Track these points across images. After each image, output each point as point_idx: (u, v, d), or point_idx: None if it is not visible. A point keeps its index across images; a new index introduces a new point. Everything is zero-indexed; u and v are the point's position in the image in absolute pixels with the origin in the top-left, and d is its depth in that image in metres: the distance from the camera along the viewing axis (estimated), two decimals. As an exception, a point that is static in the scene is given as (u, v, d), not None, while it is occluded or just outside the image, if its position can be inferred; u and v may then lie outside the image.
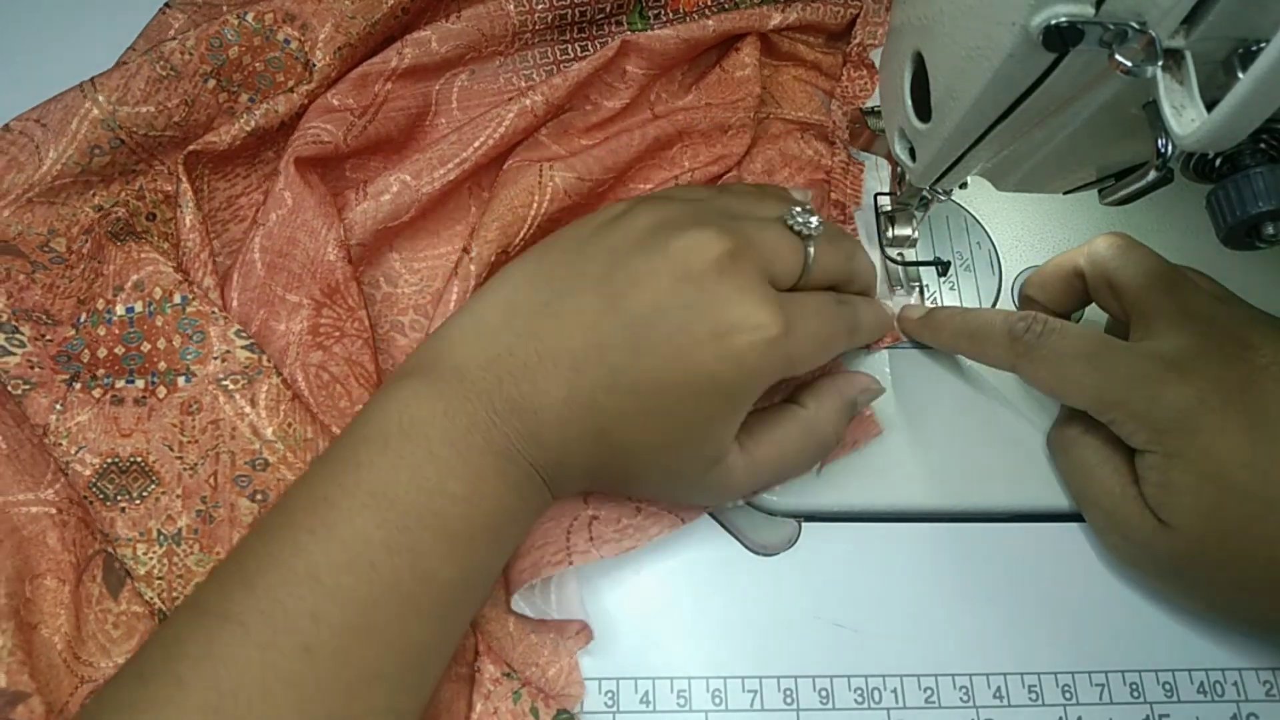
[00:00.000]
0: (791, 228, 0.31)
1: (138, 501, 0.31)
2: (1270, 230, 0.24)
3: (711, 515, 0.35)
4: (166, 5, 0.41)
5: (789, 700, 0.32)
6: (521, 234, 0.36)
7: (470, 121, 0.38)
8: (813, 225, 0.31)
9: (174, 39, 0.35)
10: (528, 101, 0.38)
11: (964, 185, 0.34)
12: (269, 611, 0.25)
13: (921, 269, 0.40)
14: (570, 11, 0.40)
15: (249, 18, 0.36)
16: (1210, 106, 0.21)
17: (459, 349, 0.29)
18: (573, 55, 0.41)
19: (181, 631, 0.25)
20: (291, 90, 0.36)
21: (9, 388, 0.31)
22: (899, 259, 0.39)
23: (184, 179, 0.35)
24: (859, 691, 0.32)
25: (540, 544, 0.32)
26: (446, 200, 0.38)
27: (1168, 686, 0.33)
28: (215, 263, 0.35)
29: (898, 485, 0.35)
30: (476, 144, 0.37)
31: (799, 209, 0.31)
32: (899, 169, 0.38)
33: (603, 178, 0.38)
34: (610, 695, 0.32)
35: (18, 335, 0.32)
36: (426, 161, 0.37)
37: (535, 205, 0.36)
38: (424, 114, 0.40)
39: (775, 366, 0.29)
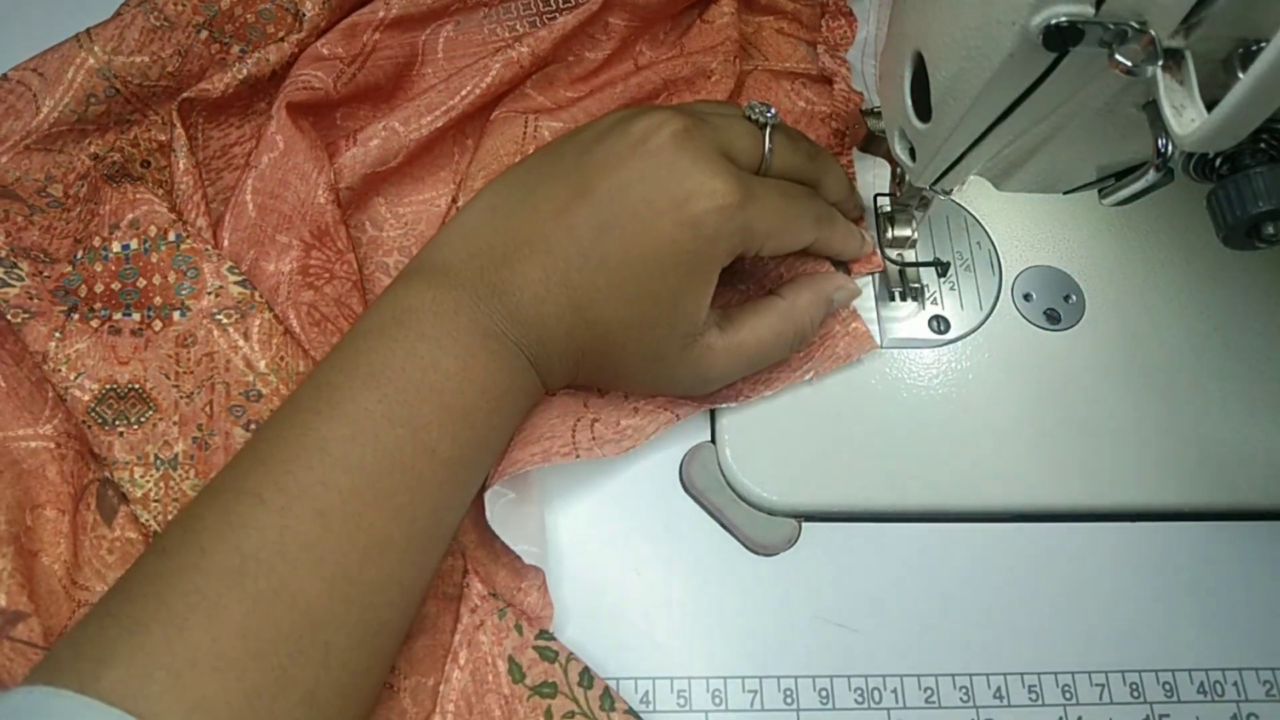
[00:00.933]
0: (749, 117, 0.33)
1: (135, 426, 0.32)
2: (1270, 230, 0.24)
3: (711, 515, 0.35)
4: None
5: (789, 700, 0.32)
6: None
7: (458, 72, 0.39)
8: (770, 114, 0.33)
9: None
10: (514, 53, 0.38)
11: (963, 184, 0.34)
12: (282, 482, 0.26)
13: (921, 269, 0.40)
14: None
15: None
16: (1210, 106, 0.21)
17: (445, 249, 0.32)
18: (555, 6, 0.42)
19: (199, 509, 0.27)
20: (282, 40, 0.37)
21: (8, 316, 0.32)
22: (898, 260, 0.39)
23: (178, 125, 0.35)
24: (859, 691, 0.32)
25: (548, 435, 0.33)
26: (431, 147, 0.39)
27: (1168, 686, 0.33)
28: (209, 205, 0.36)
29: (898, 485, 0.35)
30: (463, 93, 0.38)
31: (755, 102, 0.33)
32: (899, 169, 0.38)
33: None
34: (610, 695, 0.32)
35: (16, 270, 0.33)
36: (414, 109, 0.38)
37: (521, 155, 0.36)
38: (411, 63, 0.40)
39: (734, 233, 0.30)
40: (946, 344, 0.38)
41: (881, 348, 0.38)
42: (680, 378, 0.33)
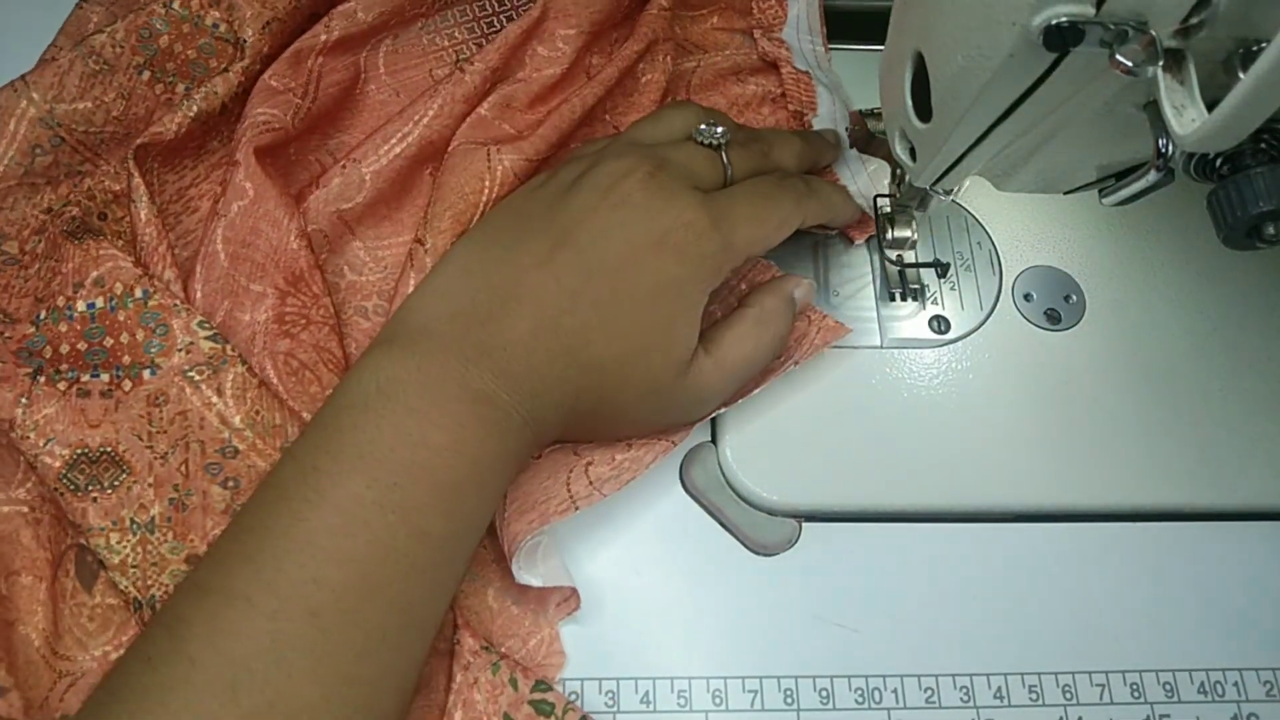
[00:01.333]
0: (701, 142, 0.34)
1: (109, 491, 0.31)
2: (1270, 230, 0.24)
3: (711, 515, 0.35)
4: (82, 0, 0.40)
5: (789, 700, 0.32)
6: (474, 220, 0.36)
7: (411, 103, 0.38)
8: (717, 132, 0.34)
9: (103, 32, 0.35)
10: (466, 76, 0.38)
11: (963, 184, 0.34)
12: (272, 581, 0.25)
13: (922, 270, 0.40)
14: None
15: (175, 5, 0.36)
16: (1211, 106, 0.21)
17: (422, 313, 0.31)
18: (491, 10, 0.42)
19: (185, 612, 0.25)
20: (226, 70, 0.36)
21: None
22: (899, 260, 0.39)
23: (135, 174, 0.35)
24: (859, 691, 0.32)
25: (543, 499, 0.33)
26: (409, 186, 0.39)
27: (1168, 686, 0.33)
28: (174, 255, 0.35)
29: (898, 485, 0.35)
30: (418, 118, 0.38)
31: (704, 123, 0.34)
32: (899, 169, 0.38)
33: (547, 154, 0.38)
34: (610, 695, 0.32)
35: None
36: (371, 143, 0.37)
37: (486, 191, 0.36)
38: (354, 83, 0.40)
39: (715, 252, 0.31)
40: (947, 344, 0.38)
41: (881, 347, 0.38)
42: (677, 406, 0.33)
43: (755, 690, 0.32)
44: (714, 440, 0.36)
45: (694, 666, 0.32)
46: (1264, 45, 0.20)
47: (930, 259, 0.40)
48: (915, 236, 0.39)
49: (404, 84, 0.41)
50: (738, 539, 0.35)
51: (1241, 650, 0.33)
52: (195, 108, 0.35)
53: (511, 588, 0.33)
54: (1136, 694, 0.33)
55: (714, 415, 0.35)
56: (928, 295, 0.39)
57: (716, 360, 0.33)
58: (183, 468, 0.31)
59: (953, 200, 0.41)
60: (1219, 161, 0.26)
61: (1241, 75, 0.20)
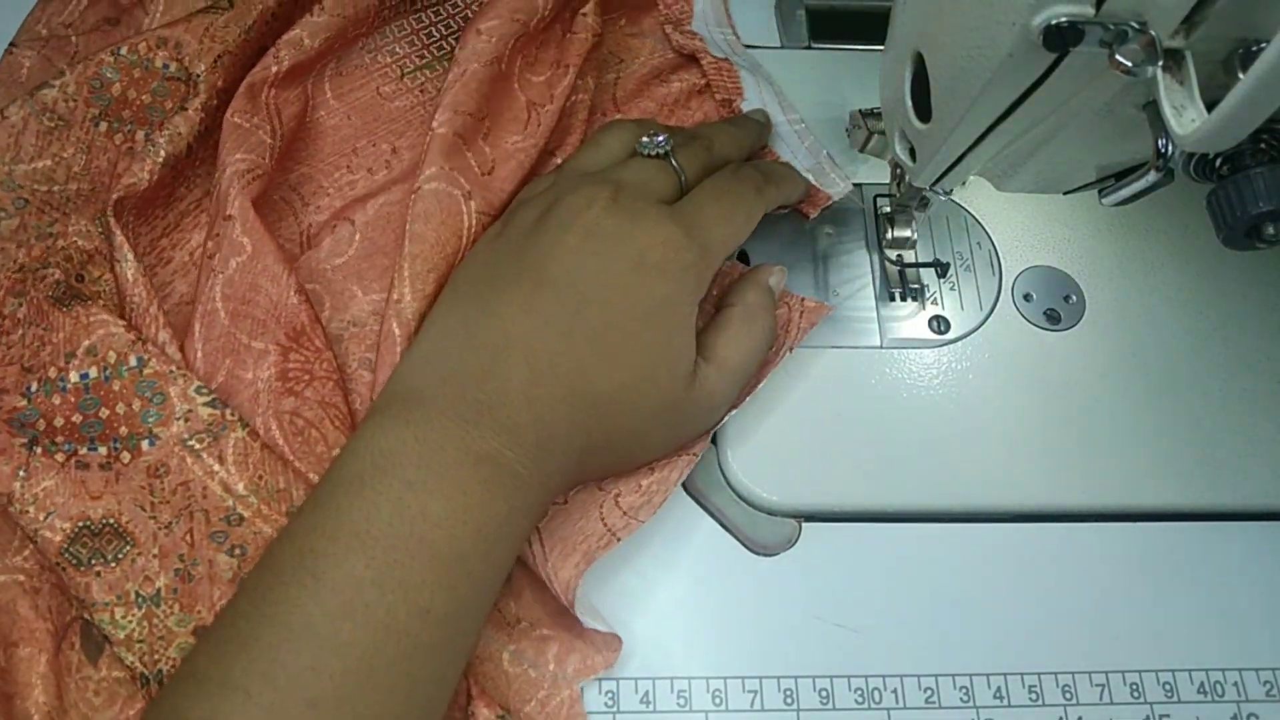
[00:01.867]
0: (647, 154, 0.34)
1: (113, 564, 0.30)
2: (1270, 230, 0.24)
3: (711, 515, 0.35)
4: (12, 45, 0.39)
5: (789, 700, 0.32)
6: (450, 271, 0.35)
7: (374, 143, 0.38)
8: (659, 142, 0.34)
9: (52, 87, 0.35)
10: (435, 122, 0.37)
11: (963, 184, 0.34)
12: (269, 672, 0.24)
13: (921, 270, 0.40)
14: None
15: (123, 51, 0.36)
16: (1210, 106, 0.21)
17: (413, 378, 0.30)
18: (429, 22, 0.42)
19: (181, 704, 0.25)
20: (184, 108, 0.36)
21: None
22: (898, 260, 0.39)
23: (117, 231, 0.33)
24: (859, 691, 0.32)
25: (580, 539, 0.32)
26: (402, 233, 0.37)
27: (1168, 686, 0.33)
28: (166, 315, 0.33)
29: (898, 485, 0.35)
30: (389, 160, 0.38)
31: (645, 136, 0.34)
32: (899, 169, 0.38)
33: (507, 203, 0.37)
34: (610, 695, 0.32)
35: None
36: (357, 197, 0.37)
37: (463, 246, 0.35)
38: (305, 112, 0.39)
39: (695, 261, 0.31)
40: (946, 344, 0.38)
41: (881, 347, 0.38)
42: (690, 420, 0.33)
43: (755, 690, 0.32)
44: (714, 440, 0.36)
45: (694, 666, 0.32)
46: (1264, 45, 0.20)
47: (930, 259, 0.40)
48: (915, 236, 0.39)
49: (353, 106, 0.40)
50: (738, 539, 0.35)
51: (1241, 650, 0.33)
52: (162, 153, 0.35)
53: (527, 650, 0.32)
54: (1136, 694, 0.33)
55: (724, 419, 0.35)
56: (927, 295, 0.39)
57: (718, 365, 0.33)
58: (188, 537, 0.31)
59: (953, 200, 0.41)
60: (1219, 161, 0.26)
61: (1241, 75, 0.20)
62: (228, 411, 0.32)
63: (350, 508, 0.27)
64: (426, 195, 0.35)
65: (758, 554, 0.34)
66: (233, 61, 0.37)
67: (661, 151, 0.34)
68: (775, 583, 0.34)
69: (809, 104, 0.44)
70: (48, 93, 0.35)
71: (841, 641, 0.33)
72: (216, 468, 0.31)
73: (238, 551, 0.31)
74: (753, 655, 0.33)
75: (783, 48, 0.46)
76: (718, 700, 0.32)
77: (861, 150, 0.41)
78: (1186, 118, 0.22)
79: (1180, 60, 0.22)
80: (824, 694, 0.32)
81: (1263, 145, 0.25)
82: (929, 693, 0.32)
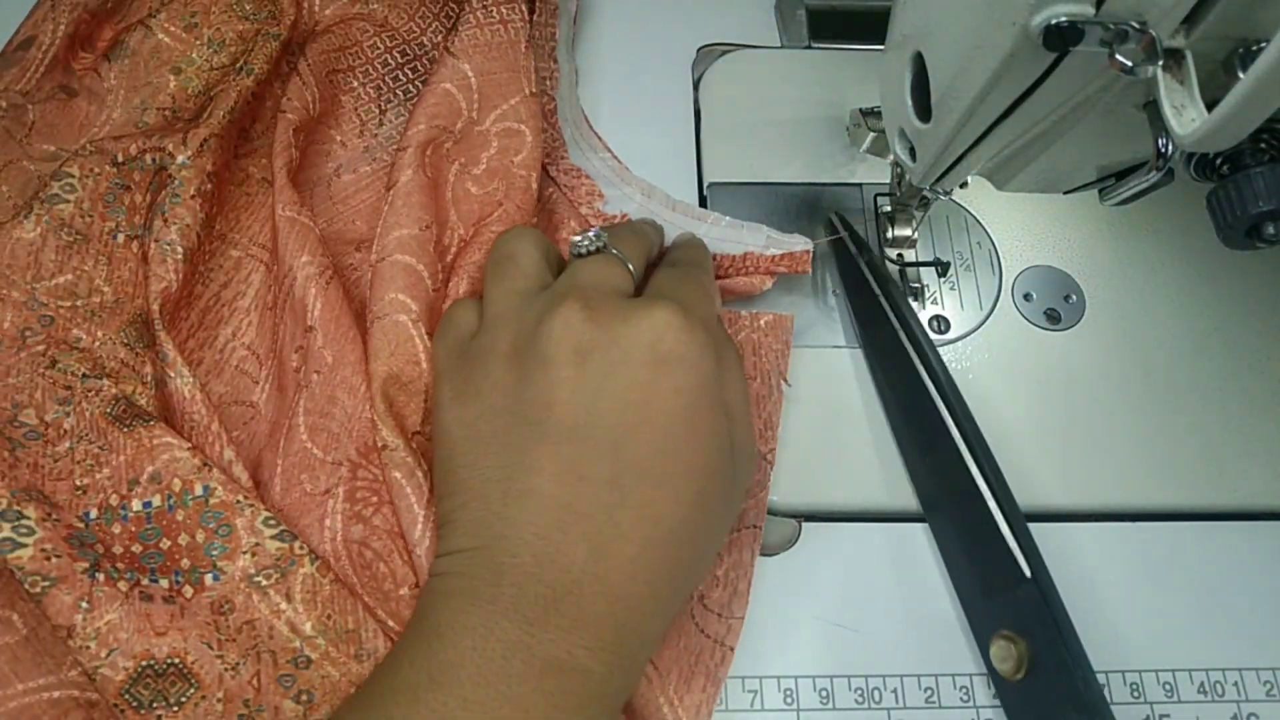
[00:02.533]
0: (586, 253, 0.31)
1: (175, 709, 0.28)
2: (1270, 230, 0.24)
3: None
4: None
5: (789, 700, 0.32)
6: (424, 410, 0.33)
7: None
8: (592, 236, 0.32)
9: (67, 201, 0.34)
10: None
11: (964, 185, 0.34)
12: None
13: (921, 269, 0.40)
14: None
15: (120, 158, 0.35)
16: (1210, 106, 0.21)
17: (461, 579, 0.27)
18: (388, 88, 0.42)
19: None
20: (178, 197, 0.35)
21: (26, 586, 0.28)
22: (899, 260, 0.39)
23: (167, 342, 0.32)
24: (859, 691, 0.32)
25: (694, 660, 0.31)
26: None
27: (1168, 686, 0.33)
28: (229, 432, 0.32)
29: (898, 485, 0.35)
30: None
31: (576, 238, 0.32)
32: (899, 169, 0.38)
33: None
34: (610, 695, 0.32)
35: (24, 520, 0.28)
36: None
37: (425, 375, 0.33)
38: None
39: (708, 340, 0.28)
40: (947, 344, 0.38)
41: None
42: (738, 484, 0.30)
43: (755, 690, 0.32)
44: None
45: (694, 666, 0.32)
46: (1264, 45, 0.20)
47: (930, 258, 0.40)
48: (915, 236, 0.39)
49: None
50: (738, 539, 0.35)
51: (1241, 650, 0.33)
52: (179, 249, 0.34)
53: None
54: (1136, 694, 0.33)
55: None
56: (928, 295, 0.39)
57: (727, 413, 0.29)
58: (254, 680, 0.29)
59: (953, 200, 0.41)
60: (1219, 161, 0.26)
61: (1241, 75, 0.20)
62: (296, 544, 0.30)
63: None
64: (384, 327, 0.33)
65: (758, 554, 0.34)
66: (219, 145, 0.36)
67: (600, 245, 0.31)
68: (775, 583, 0.34)
69: (809, 104, 0.44)
70: (63, 208, 0.34)
71: (841, 641, 0.33)
72: (284, 606, 0.29)
73: (304, 698, 0.29)
74: (753, 655, 0.33)
75: (783, 48, 0.46)
76: (718, 700, 0.32)
77: (862, 150, 0.41)
78: (1186, 117, 0.22)
79: (1180, 60, 0.22)
80: (824, 694, 0.32)
81: (1263, 145, 0.25)
82: (929, 693, 0.32)
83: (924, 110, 0.30)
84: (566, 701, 0.25)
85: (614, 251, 0.31)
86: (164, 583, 0.29)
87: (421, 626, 0.27)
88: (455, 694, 0.24)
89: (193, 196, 0.35)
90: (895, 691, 0.32)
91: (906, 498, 0.35)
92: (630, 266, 0.31)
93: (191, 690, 0.28)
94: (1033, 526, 0.35)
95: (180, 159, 0.35)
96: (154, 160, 0.35)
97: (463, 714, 0.24)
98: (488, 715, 0.24)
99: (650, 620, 0.27)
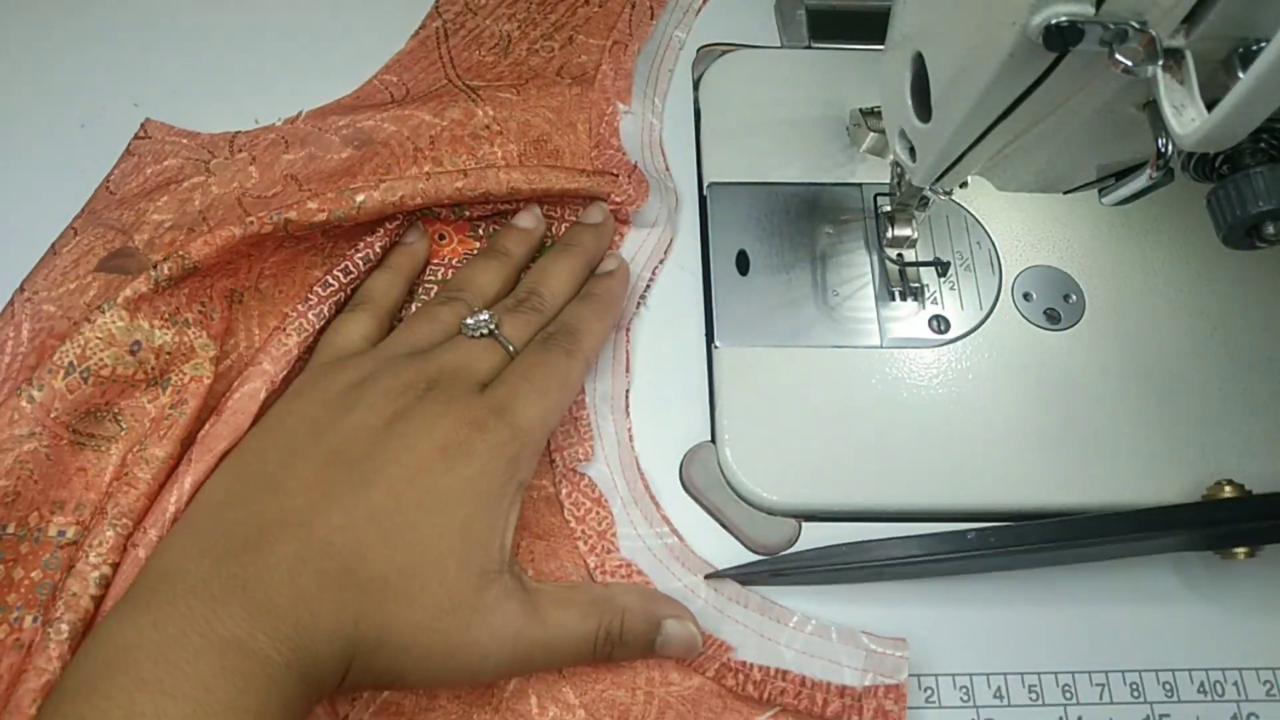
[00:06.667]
0: (470, 336, 0.33)
1: None
2: (1270, 230, 0.24)
3: (711, 515, 0.35)
4: None
5: (789, 700, 0.32)
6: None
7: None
8: (484, 321, 0.33)
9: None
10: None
11: (964, 185, 0.34)
12: None
13: (921, 269, 0.40)
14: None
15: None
16: (1210, 106, 0.21)
17: (171, 554, 0.28)
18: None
19: None
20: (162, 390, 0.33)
21: None
22: (898, 259, 0.39)
23: None
24: (859, 691, 0.32)
25: None
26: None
27: (1168, 686, 0.33)
28: None
29: (898, 485, 0.35)
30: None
31: (469, 318, 0.33)
32: (899, 169, 0.38)
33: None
34: (610, 695, 0.32)
35: None
36: None
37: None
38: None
39: (507, 443, 0.30)
40: (946, 344, 0.38)
41: (881, 347, 0.38)
42: (474, 638, 0.28)
43: (755, 690, 0.32)
44: (714, 440, 0.36)
45: (694, 666, 0.32)
46: (1264, 45, 0.20)
47: (930, 258, 0.40)
48: (915, 236, 0.39)
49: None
50: (738, 539, 0.35)
51: (1241, 650, 0.33)
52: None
53: None
54: (1136, 694, 0.33)
55: (716, 409, 0.34)
56: (927, 295, 0.39)
57: (532, 604, 0.29)
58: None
59: (953, 200, 0.41)
60: (1218, 161, 0.26)
61: (1241, 75, 0.20)
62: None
63: (78, 718, 0.23)
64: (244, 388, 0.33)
65: (758, 554, 0.34)
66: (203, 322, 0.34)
67: (486, 331, 0.33)
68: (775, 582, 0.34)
69: (809, 104, 0.44)
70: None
71: (841, 641, 0.33)
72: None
73: None
74: (753, 655, 0.33)
75: (783, 48, 0.46)
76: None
77: (862, 150, 0.41)
78: (1186, 117, 0.22)
79: (1180, 60, 0.22)
80: (824, 694, 0.32)
81: (1262, 145, 0.25)
82: (929, 692, 0.32)
83: (924, 110, 0.30)
84: (247, 682, 0.25)
85: (501, 341, 0.33)
86: None
87: (108, 617, 0.27)
88: (131, 674, 0.24)
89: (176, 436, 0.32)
90: (895, 691, 0.32)
91: (906, 498, 0.35)
92: (511, 349, 0.33)
93: None
94: (1033, 526, 0.35)
95: (172, 379, 0.33)
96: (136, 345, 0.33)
97: (139, 695, 0.24)
98: (165, 695, 0.24)
99: (331, 645, 0.27)
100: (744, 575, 0.33)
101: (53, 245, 0.36)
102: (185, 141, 0.40)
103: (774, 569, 0.33)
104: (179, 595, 0.26)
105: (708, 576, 0.33)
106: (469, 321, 0.33)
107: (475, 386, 0.31)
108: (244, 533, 0.27)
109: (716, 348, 0.38)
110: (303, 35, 0.45)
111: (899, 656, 0.31)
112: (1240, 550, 0.32)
